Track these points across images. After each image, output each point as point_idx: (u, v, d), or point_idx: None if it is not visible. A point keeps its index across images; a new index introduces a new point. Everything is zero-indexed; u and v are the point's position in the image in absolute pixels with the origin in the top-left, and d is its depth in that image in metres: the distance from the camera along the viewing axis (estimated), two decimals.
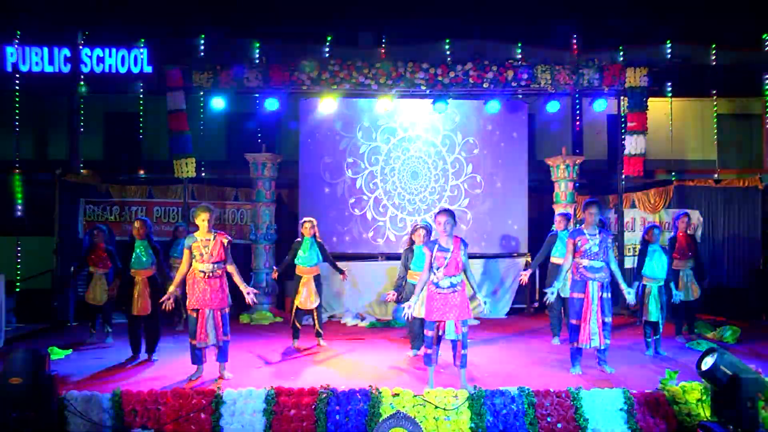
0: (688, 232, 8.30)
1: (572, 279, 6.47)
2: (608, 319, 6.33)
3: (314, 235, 7.84)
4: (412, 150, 11.01)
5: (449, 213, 5.74)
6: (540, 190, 11.42)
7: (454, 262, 5.65)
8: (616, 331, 7.97)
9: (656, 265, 7.28)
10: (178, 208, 11.02)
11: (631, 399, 5.38)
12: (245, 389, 5.45)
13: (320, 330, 7.97)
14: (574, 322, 6.36)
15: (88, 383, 5.96)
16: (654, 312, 7.22)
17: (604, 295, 6.32)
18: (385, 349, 7.76)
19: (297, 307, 7.78)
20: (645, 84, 9.96)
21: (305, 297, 7.74)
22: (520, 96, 10.64)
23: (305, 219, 7.95)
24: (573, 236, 6.47)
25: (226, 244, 6.22)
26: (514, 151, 11.07)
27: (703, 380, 5.21)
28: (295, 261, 7.82)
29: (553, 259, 8.16)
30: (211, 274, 6.12)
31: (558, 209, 10.57)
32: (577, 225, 7.76)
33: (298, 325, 7.84)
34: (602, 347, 6.35)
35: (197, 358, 6.23)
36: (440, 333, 5.78)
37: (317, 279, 7.89)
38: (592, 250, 6.32)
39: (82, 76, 10.12)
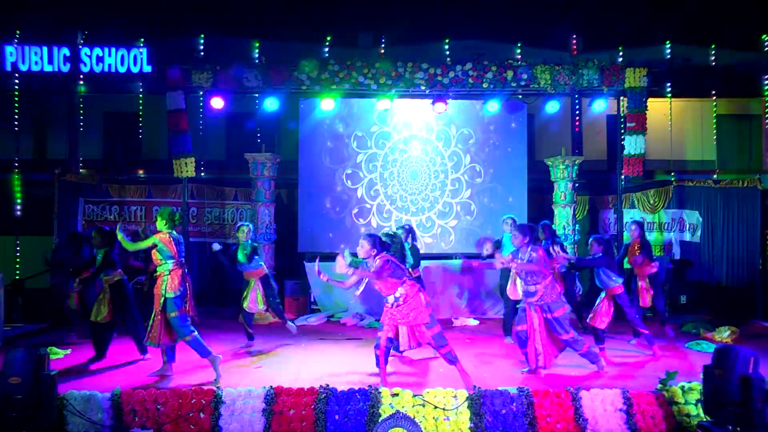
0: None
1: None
2: (567, 336, 6.27)
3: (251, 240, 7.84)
4: (411, 152, 11.00)
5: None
6: (540, 191, 11.43)
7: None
8: (613, 332, 7.99)
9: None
10: (178, 208, 11.00)
11: (630, 399, 5.38)
12: (245, 389, 5.45)
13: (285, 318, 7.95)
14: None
15: (88, 382, 5.97)
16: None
17: (548, 315, 6.26)
18: None
19: (244, 310, 7.73)
20: (644, 84, 9.95)
21: (252, 300, 7.69)
22: (520, 96, 10.64)
23: (242, 224, 7.93)
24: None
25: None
26: (514, 151, 11.07)
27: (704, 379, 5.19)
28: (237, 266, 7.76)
29: None
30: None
31: (557, 209, 10.59)
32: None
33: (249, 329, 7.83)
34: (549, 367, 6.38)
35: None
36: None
37: (265, 280, 7.82)
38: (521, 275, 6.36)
39: (82, 76, 10.15)
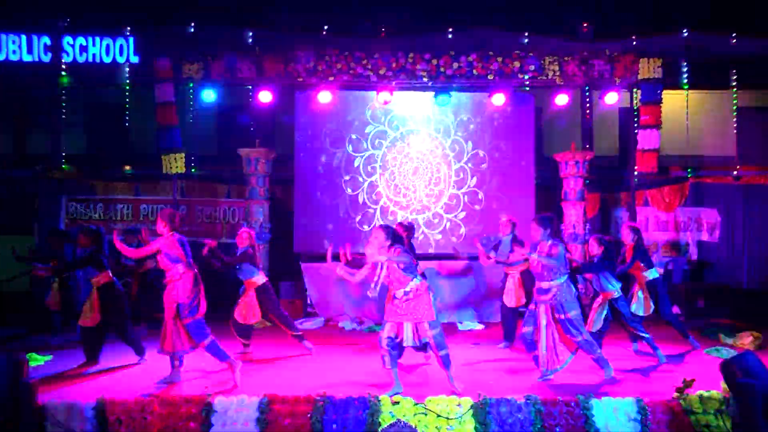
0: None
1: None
2: (579, 338, 6.26)
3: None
4: (412, 147, 10.99)
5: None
6: (548, 188, 11.39)
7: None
8: (616, 337, 7.97)
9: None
10: (167, 206, 10.98)
11: (644, 408, 5.33)
12: (237, 397, 5.42)
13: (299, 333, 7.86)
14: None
15: (70, 391, 5.94)
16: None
17: (561, 316, 6.24)
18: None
19: (235, 319, 7.58)
20: (659, 75, 9.94)
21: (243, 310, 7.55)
22: (527, 88, 10.61)
23: (244, 229, 7.83)
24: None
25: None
26: (520, 146, 11.05)
27: (727, 389, 5.14)
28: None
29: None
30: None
31: (567, 207, 10.55)
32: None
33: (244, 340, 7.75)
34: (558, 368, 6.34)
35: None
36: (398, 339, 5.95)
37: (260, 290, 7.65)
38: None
39: (64, 66, 10.06)
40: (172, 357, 6.29)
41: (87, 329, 7.00)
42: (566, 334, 6.26)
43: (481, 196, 10.98)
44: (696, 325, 9.22)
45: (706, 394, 5.45)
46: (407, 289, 5.90)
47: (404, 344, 5.90)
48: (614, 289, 7.09)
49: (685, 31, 10.18)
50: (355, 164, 11.01)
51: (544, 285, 6.26)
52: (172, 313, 6.14)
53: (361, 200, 10.99)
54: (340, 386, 6.04)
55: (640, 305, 7.70)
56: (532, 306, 6.46)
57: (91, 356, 7.03)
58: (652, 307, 7.71)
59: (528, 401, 5.33)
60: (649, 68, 9.91)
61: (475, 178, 11.02)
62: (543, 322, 6.27)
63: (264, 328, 9.37)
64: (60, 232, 8.45)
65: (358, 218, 10.94)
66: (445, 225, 10.90)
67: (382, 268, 5.93)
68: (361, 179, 11.01)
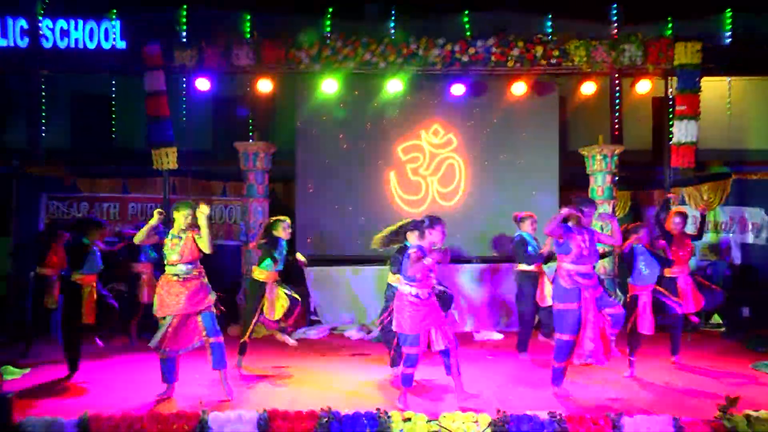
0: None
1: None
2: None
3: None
4: (425, 141, 10.98)
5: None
6: (573, 185, 11.34)
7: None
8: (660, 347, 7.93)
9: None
10: (157, 205, 11.01)
11: (682, 428, 5.26)
12: (234, 412, 5.41)
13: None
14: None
15: (51, 406, 5.96)
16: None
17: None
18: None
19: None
20: (698, 61, 9.87)
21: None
22: (550, 76, 10.58)
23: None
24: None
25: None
26: (543, 140, 11.02)
27: None
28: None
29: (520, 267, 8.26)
30: (186, 276, 6.26)
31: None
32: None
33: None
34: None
35: (169, 373, 6.33)
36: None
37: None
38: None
39: (44, 53, 10.08)
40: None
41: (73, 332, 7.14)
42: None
43: (498, 193, 10.95)
44: (739, 336, 9.16)
45: (754, 414, 5.38)
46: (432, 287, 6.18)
47: (435, 348, 6.02)
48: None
49: (728, 11, 10.12)
50: (363, 159, 11.00)
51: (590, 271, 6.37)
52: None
53: (368, 197, 10.98)
54: (346, 400, 6.05)
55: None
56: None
57: (74, 365, 7.14)
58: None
59: (552, 419, 5.29)
60: (686, 53, 9.82)
61: (492, 174, 11.00)
62: (591, 313, 6.27)
63: (262, 337, 9.39)
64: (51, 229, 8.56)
65: (365, 217, 10.93)
66: (459, 224, 10.86)
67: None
68: (368, 175, 11.00)
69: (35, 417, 5.43)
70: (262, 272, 7.56)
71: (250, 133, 11.05)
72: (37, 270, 8.32)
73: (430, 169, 11.03)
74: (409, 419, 5.31)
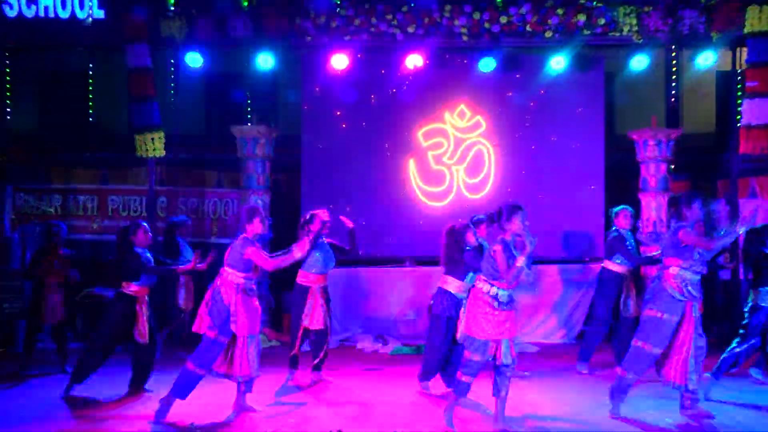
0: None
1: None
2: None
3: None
4: (449, 124, 11.01)
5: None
6: (621, 174, 11.34)
7: None
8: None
9: None
10: (142, 198, 11.10)
11: None
12: None
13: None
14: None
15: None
16: None
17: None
18: (414, 384, 7.72)
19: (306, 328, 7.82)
20: None
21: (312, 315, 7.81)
22: (595, 48, 10.57)
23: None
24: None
25: None
26: (587, 122, 11.03)
27: None
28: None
29: (609, 265, 8.37)
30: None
31: (645, 199, 10.51)
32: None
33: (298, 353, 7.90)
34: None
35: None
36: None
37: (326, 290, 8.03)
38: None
39: (7, 23, 10.12)
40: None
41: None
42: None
43: (534, 184, 10.97)
44: None
45: None
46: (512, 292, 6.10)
47: (501, 362, 5.99)
48: None
49: None
50: (378, 145, 11.05)
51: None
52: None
53: (384, 190, 11.02)
54: (359, 423, 6.11)
55: None
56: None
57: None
58: None
59: None
60: (760, 18, 9.68)
61: (527, 162, 11.03)
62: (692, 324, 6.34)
63: (271, 348, 9.46)
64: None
65: (380, 211, 10.96)
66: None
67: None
68: (384, 164, 11.05)
69: None
70: (307, 275, 7.97)
71: (248, 116, 11.10)
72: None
73: (456, 157, 11.05)
74: None
